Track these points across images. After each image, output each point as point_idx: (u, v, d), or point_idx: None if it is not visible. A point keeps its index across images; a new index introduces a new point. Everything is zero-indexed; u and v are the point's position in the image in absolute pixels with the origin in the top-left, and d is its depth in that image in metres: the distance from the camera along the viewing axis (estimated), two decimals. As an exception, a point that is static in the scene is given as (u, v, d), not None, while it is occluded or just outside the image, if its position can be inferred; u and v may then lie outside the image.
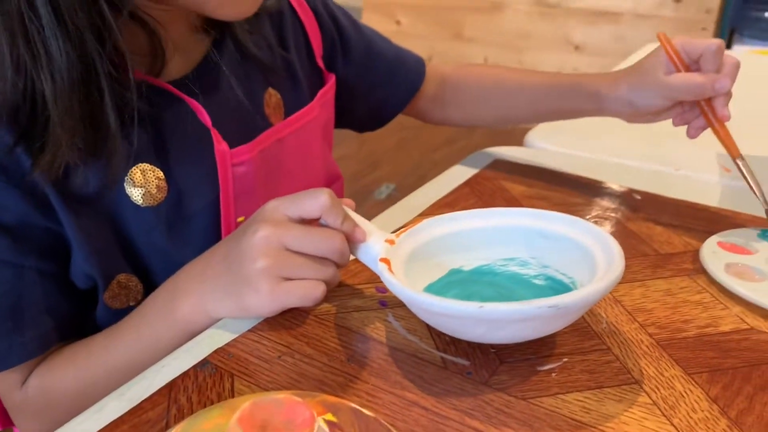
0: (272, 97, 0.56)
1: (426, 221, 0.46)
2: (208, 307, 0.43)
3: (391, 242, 0.43)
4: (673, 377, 0.38)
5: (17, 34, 0.38)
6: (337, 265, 0.43)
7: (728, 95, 0.55)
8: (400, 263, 0.42)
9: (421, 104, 0.72)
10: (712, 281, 0.49)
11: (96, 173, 0.44)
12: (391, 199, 2.36)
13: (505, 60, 2.81)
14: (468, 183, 0.66)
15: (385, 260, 0.41)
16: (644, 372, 0.39)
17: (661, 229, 0.57)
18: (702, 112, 0.56)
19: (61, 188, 0.43)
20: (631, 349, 0.41)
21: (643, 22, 2.52)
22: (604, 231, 0.43)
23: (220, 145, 0.49)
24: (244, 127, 0.53)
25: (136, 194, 0.46)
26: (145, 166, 0.47)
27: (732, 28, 2.46)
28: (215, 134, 0.49)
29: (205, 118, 0.49)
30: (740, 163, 0.55)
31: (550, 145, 0.78)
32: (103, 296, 0.47)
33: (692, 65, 0.56)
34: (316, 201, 0.41)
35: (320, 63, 0.63)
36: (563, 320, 0.39)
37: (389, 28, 3.01)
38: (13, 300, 0.43)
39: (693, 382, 0.38)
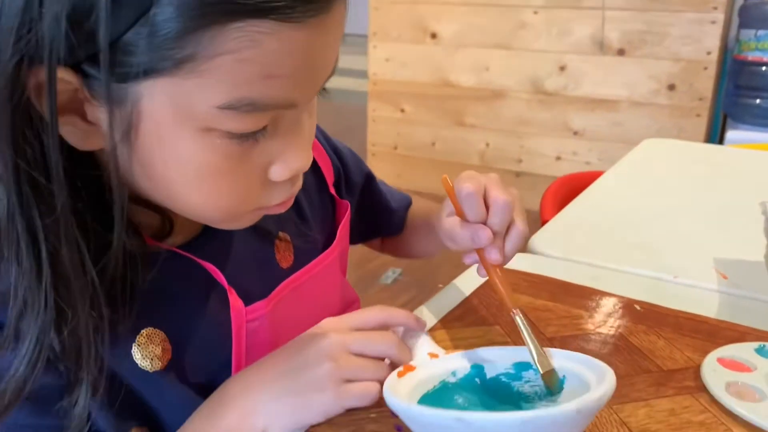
0: (282, 241, 0.59)
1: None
2: (260, 413, 0.45)
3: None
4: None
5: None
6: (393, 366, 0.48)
7: (500, 239, 0.51)
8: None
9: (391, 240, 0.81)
10: (714, 400, 0.51)
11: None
12: (398, 284, 2.38)
13: (506, 145, 2.90)
14: (476, 294, 0.69)
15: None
16: (651, 501, 0.40)
17: (663, 344, 0.59)
18: (479, 256, 0.52)
19: None
20: (637, 475, 0.43)
21: (640, 109, 2.61)
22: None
23: (236, 303, 0.50)
24: (256, 278, 0.55)
25: (144, 361, 0.48)
26: (150, 330, 0.48)
27: (725, 113, 2.54)
28: (231, 293, 0.50)
29: (221, 278, 0.50)
30: (517, 319, 0.50)
31: (553, 251, 0.81)
32: None
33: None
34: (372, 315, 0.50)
35: (332, 190, 0.66)
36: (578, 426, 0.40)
37: (394, 116, 3.11)
38: None
39: None
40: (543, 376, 0.46)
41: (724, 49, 2.54)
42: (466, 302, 0.67)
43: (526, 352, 0.49)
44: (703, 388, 0.52)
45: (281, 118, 0.42)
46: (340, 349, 0.46)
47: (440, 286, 0.73)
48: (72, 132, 0.40)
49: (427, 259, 2.40)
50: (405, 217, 0.78)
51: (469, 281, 0.72)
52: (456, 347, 0.56)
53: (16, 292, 0.40)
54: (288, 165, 0.43)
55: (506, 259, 0.52)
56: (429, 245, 0.76)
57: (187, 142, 0.39)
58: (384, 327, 0.51)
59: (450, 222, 0.53)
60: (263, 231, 0.57)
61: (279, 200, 0.46)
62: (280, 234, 0.59)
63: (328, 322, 0.49)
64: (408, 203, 0.79)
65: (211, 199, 0.43)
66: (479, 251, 0.52)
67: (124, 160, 0.40)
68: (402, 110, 3.10)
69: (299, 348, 0.47)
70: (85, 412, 0.44)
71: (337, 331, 0.47)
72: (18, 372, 0.41)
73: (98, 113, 0.39)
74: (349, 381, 0.45)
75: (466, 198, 0.50)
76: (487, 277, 0.53)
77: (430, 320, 0.63)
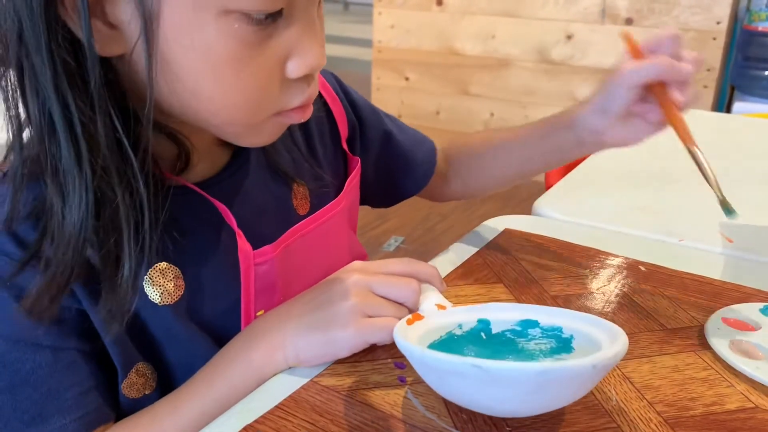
0: (299, 187, 0.59)
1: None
2: (287, 346, 0.47)
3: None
4: (681, 458, 0.40)
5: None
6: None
7: (686, 84, 0.54)
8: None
9: (430, 185, 0.75)
10: (718, 358, 0.51)
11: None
12: (400, 251, 2.39)
13: (510, 115, 2.88)
14: (480, 254, 0.69)
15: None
16: (653, 452, 0.41)
17: (667, 303, 0.59)
18: (657, 98, 0.55)
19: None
20: (639, 428, 0.43)
21: (646, 79, 2.58)
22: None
23: (245, 246, 0.51)
24: (272, 223, 0.55)
25: (154, 293, 0.48)
26: (163, 265, 0.48)
27: (733, 86, 2.51)
28: (240, 236, 0.50)
29: (231, 220, 0.50)
30: (696, 152, 0.54)
31: (558, 213, 0.81)
32: (122, 385, 0.48)
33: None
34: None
35: (345, 146, 0.66)
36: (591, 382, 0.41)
37: (398, 84, 3.09)
38: (52, 384, 0.45)
39: (700, 463, 0.40)
40: (721, 202, 0.52)
41: (734, 20, 2.51)
42: (470, 261, 0.67)
43: (532, 310, 0.49)
44: (706, 346, 0.52)
45: (295, 5, 0.43)
46: (364, 287, 0.49)
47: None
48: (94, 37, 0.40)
49: (429, 228, 2.40)
50: (428, 172, 0.74)
51: (472, 241, 0.71)
52: (459, 304, 0.56)
53: (55, 179, 0.41)
54: (304, 59, 0.44)
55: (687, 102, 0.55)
56: (510, 166, 0.72)
57: (206, 29, 0.40)
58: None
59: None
60: (280, 172, 0.57)
61: (297, 102, 0.46)
62: (297, 180, 0.59)
63: (355, 264, 0.52)
64: (431, 153, 0.74)
65: (231, 94, 0.43)
66: (661, 90, 0.54)
67: (144, 63, 0.41)
68: (406, 78, 3.07)
69: (326, 287, 0.50)
70: (129, 290, 0.44)
71: (362, 272, 0.50)
72: (67, 255, 0.42)
73: (119, 12, 0.40)
74: (370, 317, 0.47)
75: (673, 39, 0.53)
76: (666, 117, 0.56)
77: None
